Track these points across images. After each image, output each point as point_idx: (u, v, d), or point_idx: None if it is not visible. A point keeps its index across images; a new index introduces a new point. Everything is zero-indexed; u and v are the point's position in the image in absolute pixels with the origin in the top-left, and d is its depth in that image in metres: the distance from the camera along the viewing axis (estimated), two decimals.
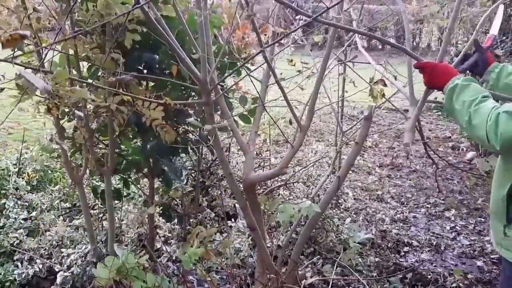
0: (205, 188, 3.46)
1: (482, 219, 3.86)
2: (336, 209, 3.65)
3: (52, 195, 3.34)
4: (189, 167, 3.29)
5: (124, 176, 2.48)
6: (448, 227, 3.72)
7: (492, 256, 3.21)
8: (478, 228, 3.69)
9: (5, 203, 2.99)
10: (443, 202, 4.24)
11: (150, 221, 2.57)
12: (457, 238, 3.54)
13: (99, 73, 2.00)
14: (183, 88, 2.25)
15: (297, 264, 2.20)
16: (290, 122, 2.11)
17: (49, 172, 3.68)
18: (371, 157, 5.57)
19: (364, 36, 2.37)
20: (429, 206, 4.15)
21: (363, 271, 2.84)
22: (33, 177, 3.44)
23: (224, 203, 3.36)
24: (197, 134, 2.42)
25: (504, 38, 4.68)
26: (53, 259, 2.59)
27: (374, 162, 5.36)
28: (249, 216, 2.07)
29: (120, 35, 1.85)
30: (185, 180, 3.01)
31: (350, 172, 4.54)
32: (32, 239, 2.75)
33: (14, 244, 2.67)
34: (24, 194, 3.17)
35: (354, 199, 4.06)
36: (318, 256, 2.84)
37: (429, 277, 2.90)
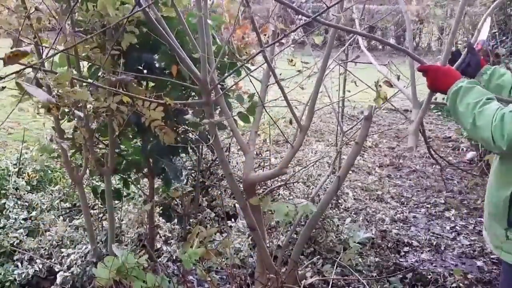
0: (205, 188, 3.47)
1: (482, 219, 3.85)
2: (336, 209, 3.66)
3: (52, 195, 3.34)
4: (189, 167, 3.29)
5: (124, 176, 2.48)
6: (448, 227, 3.72)
7: (492, 256, 3.21)
8: (478, 228, 3.69)
9: (5, 203, 2.99)
10: (443, 202, 4.23)
11: (150, 221, 2.57)
12: (457, 238, 3.54)
13: (100, 73, 2.00)
14: (183, 88, 2.25)
15: (297, 264, 2.20)
16: (290, 122, 2.11)
17: (49, 172, 3.67)
18: (371, 157, 5.57)
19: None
20: (429, 206, 4.15)
21: (363, 271, 2.84)
22: (33, 177, 3.44)
23: (224, 203, 3.36)
24: (197, 134, 2.42)
25: (504, 38, 4.67)
26: (53, 259, 2.59)
27: (374, 162, 5.36)
28: (249, 216, 2.07)
29: (119, 36, 1.85)
30: (185, 180, 3.01)
31: (350, 172, 4.54)
32: (32, 239, 2.75)
33: (14, 244, 2.67)
34: (24, 194, 3.17)
35: (354, 199, 4.06)
36: (318, 256, 2.84)
37: (429, 277, 2.90)
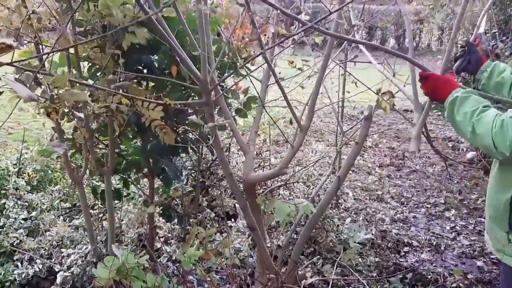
0: (205, 188, 3.47)
1: (482, 219, 3.85)
2: (336, 209, 3.66)
3: (52, 195, 3.34)
4: (189, 167, 3.29)
5: (124, 176, 2.48)
6: (448, 227, 3.72)
7: (492, 256, 3.21)
8: (478, 228, 3.69)
9: (5, 203, 2.99)
10: (443, 202, 4.23)
11: (150, 221, 2.57)
12: (457, 238, 3.54)
13: (99, 74, 2.00)
14: (183, 88, 2.25)
15: (297, 264, 2.20)
16: (291, 122, 2.11)
17: (49, 172, 3.68)
18: (371, 157, 5.57)
19: (364, 36, 2.37)
20: (429, 206, 4.15)
21: (363, 271, 2.84)
22: (33, 177, 3.44)
23: (224, 203, 3.36)
24: (197, 134, 2.42)
25: (504, 38, 4.68)
26: (53, 259, 2.59)
27: (374, 162, 5.36)
28: (249, 216, 2.07)
29: (119, 36, 1.85)
30: (185, 180, 3.01)
31: (350, 172, 4.54)
32: (32, 239, 2.75)
33: (14, 244, 2.67)
34: (24, 194, 3.17)
35: (354, 199, 4.06)
36: (318, 256, 2.84)
37: (429, 277, 2.90)
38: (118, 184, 2.96)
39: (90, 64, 2.10)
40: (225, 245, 2.13)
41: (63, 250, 2.61)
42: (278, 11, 2.23)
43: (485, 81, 1.77)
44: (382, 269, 2.94)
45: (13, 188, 3.16)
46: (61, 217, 3.02)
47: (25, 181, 3.30)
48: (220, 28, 2.25)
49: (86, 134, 2.09)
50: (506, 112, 1.41)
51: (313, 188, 3.50)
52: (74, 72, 2.05)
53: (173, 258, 2.75)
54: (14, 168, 3.43)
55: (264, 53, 1.64)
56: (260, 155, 4.27)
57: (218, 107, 2.19)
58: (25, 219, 2.91)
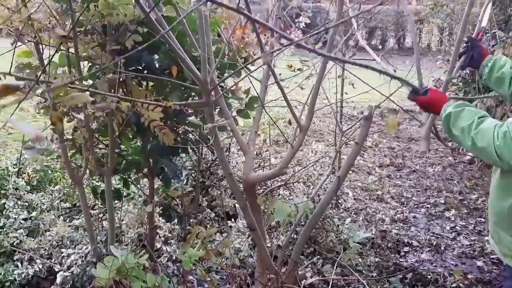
0: (205, 188, 3.47)
1: (482, 219, 3.86)
2: (336, 209, 3.66)
3: (52, 195, 3.34)
4: (189, 167, 3.29)
5: (124, 176, 2.48)
6: (448, 227, 3.72)
7: (492, 256, 3.21)
8: (478, 228, 3.69)
9: (5, 203, 2.98)
10: (443, 202, 4.23)
11: (150, 221, 2.57)
12: (457, 238, 3.54)
13: (98, 73, 2.00)
14: (183, 88, 2.25)
15: (297, 264, 2.20)
16: (290, 123, 2.11)
17: (49, 172, 3.67)
18: (371, 157, 5.56)
19: (364, 35, 2.37)
20: (429, 206, 4.15)
21: (363, 271, 2.84)
22: (33, 177, 3.44)
23: (224, 203, 3.36)
24: (197, 134, 2.42)
25: (504, 38, 4.67)
26: (53, 259, 2.59)
27: (374, 162, 5.36)
28: (249, 216, 2.07)
29: (121, 36, 1.85)
30: (185, 180, 3.01)
31: (350, 172, 4.54)
32: (32, 239, 2.75)
33: (14, 244, 2.67)
34: (24, 194, 3.17)
35: (354, 199, 4.06)
36: (318, 256, 2.84)
37: (429, 277, 2.90)
38: (118, 184, 2.96)
39: (90, 64, 2.11)
40: (225, 245, 2.14)
41: (63, 250, 2.61)
42: (278, 11, 2.23)
43: (486, 76, 1.77)
44: (382, 269, 2.94)
45: (13, 188, 3.16)
46: (61, 217, 3.02)
47: (25, 181, 3.30)
48: (220, 29, 2.25)
49: (86, 134, 2.10)
50: (507, 120, 1.41)
51: (313, 188, 3.50)
52: (73, 71, 2.04)
53: (173, 258, 2.75)
54: (14, 168, 3.43)
55: (264, 55, 1.64)
56: (260, 155, 4.27)
57: (219, 107, 2.19)
58: (25, 219, 2.91)
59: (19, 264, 2.55)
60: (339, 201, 3.78)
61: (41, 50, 1.94)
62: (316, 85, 1.97)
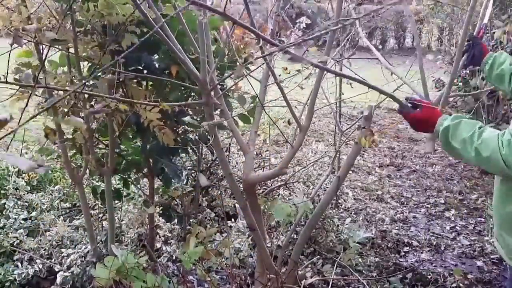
0: (205, 188, 3.46)
1: (482, 219, 3.86)
2: (336, 209, 3.65)
3: (52, 195, 3.34)
4: (189, 167, 3.29)
5: (124, 176, 2.48)
6: (448, 227, 3.72)
7: (492, 256, 3.21)
8: (478, 228, 3.69)
9: (5, 203, 2.99)
10: (443, 202, 4.23)
11: (150, 221, 2.57)
12: (457, 238, 3.54)
13: (96, 73, 2.00)
14: (183, 88, 2.25)
15: (297, 264, 2.20)
16: (289, 122, 2.11)
17: (49, 172, 3.67)
18: (371, 157, 5.56)
19: (364, 35, 2.36)
20: (429, 206, 4.15)
21: (363, 271, 2.84)
22: (33, 177, 3.44)
23: (224, 203, 3.36)
24: (197, 134, 2.42)
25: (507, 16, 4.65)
26: (53, 259, 2.60)
27: (374, 162, 5.36)
28: (249, 216, 2.07)
29: (120, 36, 1.85)
30: (185, 180, 3.01)
31: (350, 172, 4.54)
32: (32, 239, 2.75)
33: (14, 244, 2.67)
34: (24, 194, 3.17)
35: (354, 199, 4.06)
36: (318, 256, 2.84)
37: (429, 277, 2.90)
38: (118, 184, 2.96)
39: (89, 64, 2.11)
40: (225, 245, 2.14)
41: (63, 250, 2.61)
42: (278, 11, 2.24)
43: (487, 73, 1.77)
44: (382, 269, 2.94)
45: (13, 188, 3.16)
46: (61, 217, 3.02)
47: (25, 181, 3.30)
48: (219, 30, 2.25)
49: (86, 134, 2.10)
50: (508, 127, 1.39)
51: (312, 188, 3.50)
52: (73, 70, 2.04)
53: (173, 258, 2.75)
54: (14, 168, 3.43)
55: (264, 55, 1.64)
56: (260, 155, 4.27)
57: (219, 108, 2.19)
58: (25, 219, 2.91)
59: (19, 264, 2.55)
60: (339, 201, 3.78)
61: (41, 50, 1.94)
62: (316, 85, 1.97)
